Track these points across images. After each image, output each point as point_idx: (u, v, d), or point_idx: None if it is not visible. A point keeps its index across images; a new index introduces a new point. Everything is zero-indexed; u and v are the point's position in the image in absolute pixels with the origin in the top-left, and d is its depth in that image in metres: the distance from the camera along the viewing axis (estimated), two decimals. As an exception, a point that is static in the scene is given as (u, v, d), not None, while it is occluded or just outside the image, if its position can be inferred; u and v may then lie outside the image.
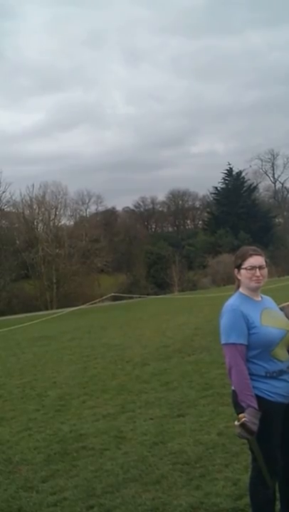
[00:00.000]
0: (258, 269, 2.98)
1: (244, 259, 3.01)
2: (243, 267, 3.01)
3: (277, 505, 3.13)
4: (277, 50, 78.75)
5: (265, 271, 3.03)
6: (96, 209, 52.89)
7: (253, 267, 2.98)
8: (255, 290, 3.03)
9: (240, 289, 3.06)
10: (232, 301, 3.01)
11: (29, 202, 42.54)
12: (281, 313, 3.10)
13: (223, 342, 2.94)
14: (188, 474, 4.07)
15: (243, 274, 3.01)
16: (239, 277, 3.05)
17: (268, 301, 3.13)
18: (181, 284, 37.19)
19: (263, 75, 78.08)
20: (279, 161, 57.22)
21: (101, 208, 52.71)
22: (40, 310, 31.92)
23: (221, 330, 2.96)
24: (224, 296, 3.29)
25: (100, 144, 75.38)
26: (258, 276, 2.97)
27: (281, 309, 3.15)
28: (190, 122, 79.27)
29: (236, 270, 3.07)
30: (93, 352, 10.79)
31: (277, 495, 3.10)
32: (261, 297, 3.09)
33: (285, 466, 3.03)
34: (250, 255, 3.00)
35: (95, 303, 27.92)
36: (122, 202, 78.14)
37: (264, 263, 3.02)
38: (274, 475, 2.95)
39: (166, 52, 79.08)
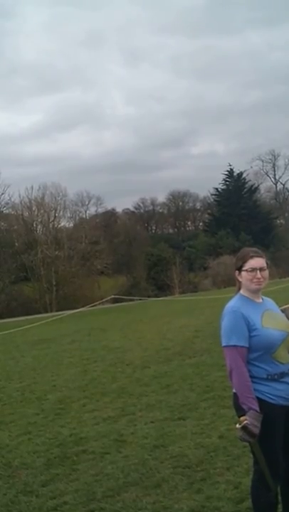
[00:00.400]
0: (258, 271, 2.96)
1: (245, 261, 3.00)
2: (243, 268, 2.99)
3: (279, 509, 3.11)
4: (277, 50, 78.82)
5: (266, 273, 3.01)
6: (96, 210, 52.96)
7: (253, 269, 2.96)
8: (255, 292, 3.01)
9: (241, 291, 3.04)
10: (233, 303, 3.00)
11: (28, 204, 42.52)
12: (282, 315, 3.08)
13: (223, 344, 2.93)
14: (189, 478, 4.05)
15: (243, 276, 3.00)
16: (240, 279, 3.03)
17: (269, 302, 3.11)
18: (181, 286, 37.19)
19: (264, 75, 78.16)
20: (280, 162, 57.06)
21: (101, 210, 52.78)
22: (40, 313, 31.88)
23: (222, 332, 2.95)
24: (225, 298, 3.28)
25: (100, 144, 75.43)
26: (258, 278, 2.96)
27: (282, 311, 3.13)
28: (190, 123, 79.38)
29: (237, 272, 3.06)
30: (93, 355, 10.76)
31: (279, 498, 3.08)
32: (262, 299, 3.07)
33: (287, 468, 3.01)
34: (251, 257, 2.98)
35: (95, 305, 27.88)
36: (121, 203, 77.87)
37: (265, 265, 3.00)
38: (276, 478, 2.93)
39: (165, 52, 79.25)
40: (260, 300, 3.05)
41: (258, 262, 2.97)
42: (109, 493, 3.98)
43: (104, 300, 29.52)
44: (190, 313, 16.92)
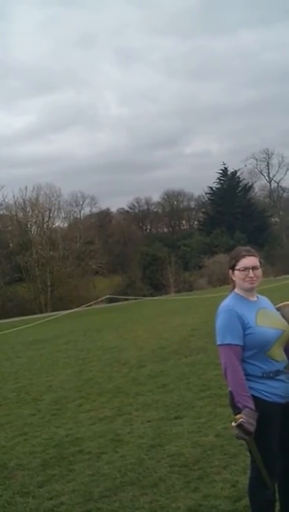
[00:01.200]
0: (251, 270, 2.96)
1: (237, 260, 3.00)
2: (236, 267, 3.00)
3: (277, 506, 3.11)
4: (270, 50, 79.05)
5: (259, 271, 3.01)
6: (90, 211, 52.98)
7: (246, 268, 2.97)
8: (249, 291, 3.01)
9: (236, 290, 3.05)
10: (227, 302, 3.00)
11: (22, 204, 42.46)
12: (277, 313, 3.07)
13: (218, 343, 2.93)
14: (186, 477, 4.04)
15: (236, 275, 3.00)
16: (233, 278, 3.03)
17: (264, 301, 3.11)
18: (177, 285, 37.14)
19: (257, 75, 78.30)
20: (274, 161, 57.12)
21: (95, 210, 52.80)
22: (35, 313, 31.76)
23: (217, 331, 2.95)
24: (220, 296, 3.27)
25: (93, 145, 75.39)
26: (251, 277, 2.96)
27: (277, 309, 3.13)
28: (184, 122, 79.43)
29: (230, 271, 3.06)
30: (89, 355, 10.73)
31: (277, 495, 3.08)
32: (257, 297, 3.07)
33: (284, 466, 3.01)
34: (244, 256, 2.99)
35: (90, 305, 27.84)
36: (116, 203, 78.24)
37: (258, 263, 3.01)
38: (273, 475, 2.93)
39: (159, 52, 79.22)
40: (255, 298, 3.05)
41: (250, 261, 2.97)
42: (106, 493, 3.97)
43: (99, 300, 29.49)
44: (186, 312, 16.91)
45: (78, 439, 5.34)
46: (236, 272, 3.00)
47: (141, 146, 76.55)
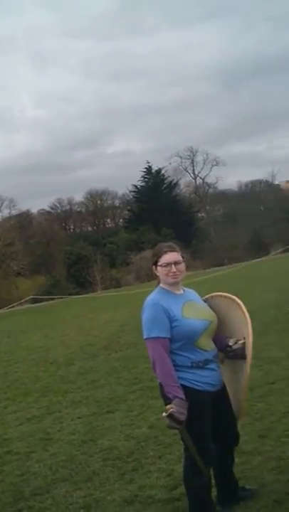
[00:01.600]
0: (173, 265, 3.01)
1: (159, 256, 3.05)
2: (159, 264, 3.05)
3: (214, 492, 3.13)
4: (191, 49, 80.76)
5: (182, 266, 3.06)
6: (9, 213, 51.66)
7: (168, 264, 3.01)
8: (173, 285, 3.05)
9: (161, 284, 3.09)
10: (152, 296, 3.04)
11: None
12: (204, 305, 3.14)
13: (145, 337, 2.96)
14: (120, 469, 4.00)
15: (160, 271, 3.05)
16: (157, 274, 3.08)
17: (191, 293, 3.17)
18: (104, 282, 37.02)
19: (178, 75, 79.92)
20: (198, 158, 58.28)
21: (14, 212, 51.59)
22: None
23: (143, 325, 2.97)
24: (148, 291, 3.28)
25: (10, 147, 73.54)
26: (174, 272, 3.01)
27: (205, 301, 3.21)
28: (104, 123, 79.37)
29: (154, 267, 3.10)
30: (13, 356, 10.36)
31: (213, 481, 3.10)
32: (183, 290, 3.12)
33: (218, 453, 3.06)
34: (165, 252, 3.04)
35: (12, 307, 26.98)
36: (36, 205, 76.36)
37: (180, 258, 3.05)
38: (207, 462, 2.96)
39: (76, 55, 78.77)
40: (181, 291, 3.10)
41: (172, 256, 3.02)
42: (37, 491, 3.86)
43: (22, 301, 28.66)
44: (114, 308, 16.85)
45: (6, 440, 5.15)
46: (159, 268, 3.04)
47: (60, 147, 75.94)
